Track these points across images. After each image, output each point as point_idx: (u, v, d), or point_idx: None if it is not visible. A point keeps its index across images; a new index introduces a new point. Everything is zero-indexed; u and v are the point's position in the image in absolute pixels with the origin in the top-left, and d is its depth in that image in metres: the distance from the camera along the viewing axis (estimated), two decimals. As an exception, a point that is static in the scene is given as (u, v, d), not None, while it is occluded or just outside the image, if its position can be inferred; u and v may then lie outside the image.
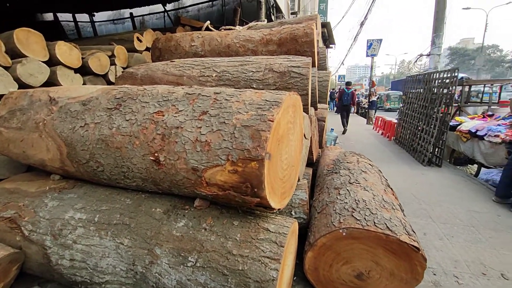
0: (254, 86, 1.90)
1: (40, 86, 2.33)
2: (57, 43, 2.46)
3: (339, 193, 1.57)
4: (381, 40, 10.07)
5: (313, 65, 2.50)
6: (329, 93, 3.45)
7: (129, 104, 1.31)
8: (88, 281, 1.27)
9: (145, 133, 1.19)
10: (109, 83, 3.04)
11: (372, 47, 10.04)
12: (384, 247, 1.21)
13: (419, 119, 5.79)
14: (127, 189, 1.46)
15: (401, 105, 7.92)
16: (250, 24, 3.65)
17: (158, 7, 7.21)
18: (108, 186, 1.50)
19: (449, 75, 4.83)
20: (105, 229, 1.28)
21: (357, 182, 1.66)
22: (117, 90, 1.42)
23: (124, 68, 3.12)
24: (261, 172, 0.96)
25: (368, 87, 11.85)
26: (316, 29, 3.08)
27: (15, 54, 2.26)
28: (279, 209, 1.17)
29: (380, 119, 9.45)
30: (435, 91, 5.27)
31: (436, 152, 5.04)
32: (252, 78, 1.90)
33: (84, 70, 2.80)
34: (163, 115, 1.20)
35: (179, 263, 1.10)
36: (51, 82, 2.45)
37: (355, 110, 16.33)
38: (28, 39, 2.30)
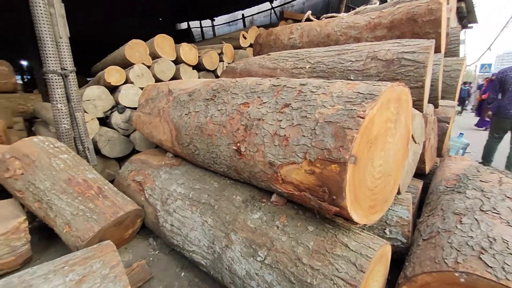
0: (352, 78, 1.66)
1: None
2: (181, 45, 2.99)
3: (461, 221, 1.16)
4: None
5: (437, 51, 1.94)
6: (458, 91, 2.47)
7: (222, 95, 1.41)
8: (181, 246, 1.49)
9: (231, 123, 1.25)
10: (218, 78, 3.46)
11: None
12: (534, 318, 0.80)
13: None
14: (216, 173, 1.62)
15: None
16: (358, 9, 3.23)
17: (266, 5, 7.59)
18: (202, 168, 1.71)
19: None
20: (195, 206, 1.46)
21: (494, 211, 1.17)
22: (215, 82, 1.56)
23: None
24: (342, 178, 0.81)
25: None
26: (448, 3, 2.37)
27: (153, 55, 2.91)
28: (365, 225, 0.97)
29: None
30: None
31: None
32: (349, 68, 1.66)
33: (198, 67, 3.29)
34: (248, 107, 1.22)
35: (250, 254, 1.11)
36: (175, 77, 3.01)
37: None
38: (163, 43, 2.91)
